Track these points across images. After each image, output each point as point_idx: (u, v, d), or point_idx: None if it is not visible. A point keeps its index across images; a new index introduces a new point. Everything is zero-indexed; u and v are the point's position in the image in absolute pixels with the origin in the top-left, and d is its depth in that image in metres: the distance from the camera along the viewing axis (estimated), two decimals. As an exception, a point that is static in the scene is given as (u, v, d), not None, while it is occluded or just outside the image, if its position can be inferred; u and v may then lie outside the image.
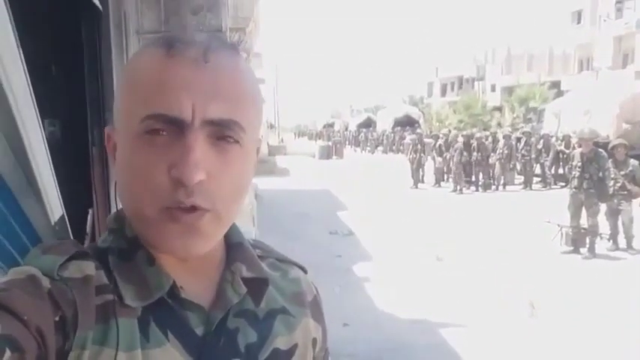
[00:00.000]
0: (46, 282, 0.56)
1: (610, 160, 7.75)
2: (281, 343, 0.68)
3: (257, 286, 0.69)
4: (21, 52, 1.36)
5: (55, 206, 1.60)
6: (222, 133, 0.59)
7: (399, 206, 12.53)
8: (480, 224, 10.13)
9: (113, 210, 3.33)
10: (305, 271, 0.81)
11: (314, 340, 0.74)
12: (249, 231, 6.49)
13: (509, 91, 38.10)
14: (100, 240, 0.67)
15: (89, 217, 3.21)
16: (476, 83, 49.00)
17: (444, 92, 56.25)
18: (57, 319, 0.54)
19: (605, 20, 32.19)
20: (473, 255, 7.77)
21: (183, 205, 0.57)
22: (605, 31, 32.49)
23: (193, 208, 0.58)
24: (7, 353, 0.48)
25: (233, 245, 0.70)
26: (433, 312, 5.42)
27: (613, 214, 7.89)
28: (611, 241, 8.00)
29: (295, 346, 0.70)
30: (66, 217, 1.70)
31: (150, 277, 0.62)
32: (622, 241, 7.96)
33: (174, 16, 3.95)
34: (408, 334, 4.87)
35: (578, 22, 36.78)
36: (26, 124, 1.40)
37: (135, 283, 0.61)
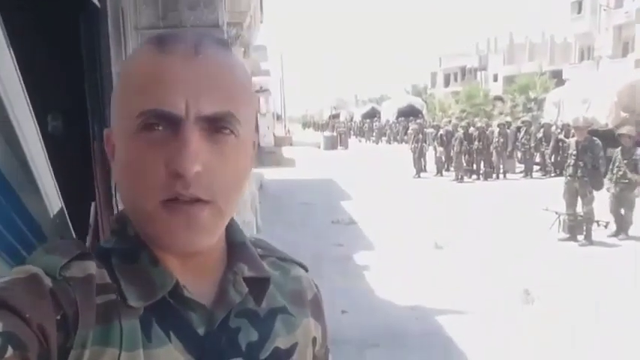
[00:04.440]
0: (48, 281, 0.57)
1: (619, 149, 7.88)
2: (281, 342, 0.69)
3: (259, 285, 0.69)
4: (11, 50, 1.42)
5: (53, 200, 1.62)
6: (217, 125, 0.59)
7: (401, 195, 12.61)
8: (479, 212, 10.21)
9: (115, 203, 3.42)
10: (306, 269, 0.81)
11: (314, 339, 0.75)
12: (250, 221, 6.59)
13: (510, 80, 37.97)
14: (103, 241, 0.68)
15: (92, 211, 3.29)
16: (478, 73, 48.83)
17: (447, 82, 56.04)
18: (58, 317, 0.55)
19: (605, 9, 31.95)
20: (471, 243, 7.85)
21: (182, 197, 0.58)
22: (605, 20, 32.28)
23: (193, 201, 0.58)
24: (10, 350, 0.49)
25: (235, 245, 0.70)
26: (430, 299, 5.51)
27: (614, 202, 7.96)
28: (607, 228, 8.07)
29: (295, 344, 0.70)
30: (65, 211, 1.74)
31: (154, 276, 0.62)
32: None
33: (172, 11, 4.01)
34: (406, 321, 4.97)
35: (579, 12, 36.59)
36: (20, 120, 1.44)
37: (138, 283, 0.61)
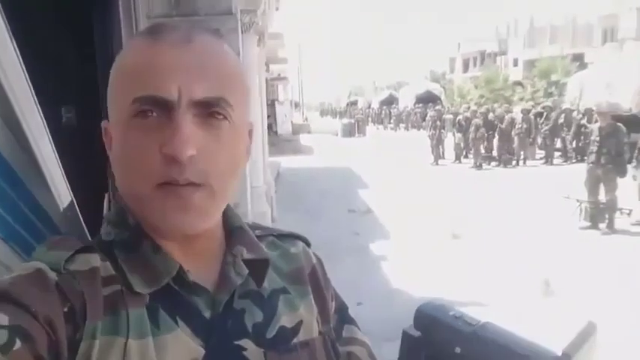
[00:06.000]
0: (53, 275, 0.58)
1: None
2: (286, 321, 0.70)
3: (258, 267, 0.70)
4: (14, 42, 1.38)
5: (63, 192, 1.61)
6: (210, 110, 0.61)
7: (419, 183, 12.49)
8: (498, 200, 10.05)
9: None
10: (307, 243, 0.82)
11: (318, 316, 0.76)
12: (266, 211, 6.54)
13: (531, 65, 37.31)
14: (104, 233, 0.68)
15: (105, 201, 3.29)
16: (498, 58, 48.13)
17: (466, 68, 55.38)
18: (66, 309, 0.56)
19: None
20: (490, 231, 7.74)
21: (176, 181, 0.59)
22: (629, 1, 31.45)
23: (186, 184, 0.59)
24: (18, 343, 0.51)
25: (233, 229, 0.72)
26: (448, 290, 5.43)
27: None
28: (630, 216, 7.90)
29: (300, 322, 0.71)
30: (75, 203, 1.72)
31: (157, 263, 0.63)
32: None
33: (185, -1, 3.96)
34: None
35: (603, -8, 35.76)
36: (25, 114, 1.42)
37: (142, 271, 0.63)
